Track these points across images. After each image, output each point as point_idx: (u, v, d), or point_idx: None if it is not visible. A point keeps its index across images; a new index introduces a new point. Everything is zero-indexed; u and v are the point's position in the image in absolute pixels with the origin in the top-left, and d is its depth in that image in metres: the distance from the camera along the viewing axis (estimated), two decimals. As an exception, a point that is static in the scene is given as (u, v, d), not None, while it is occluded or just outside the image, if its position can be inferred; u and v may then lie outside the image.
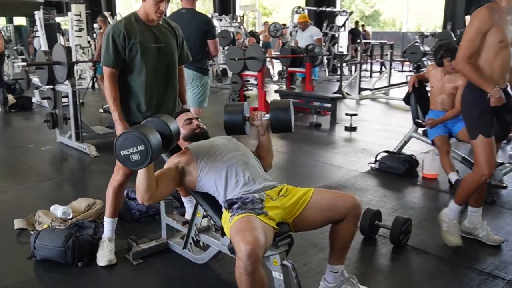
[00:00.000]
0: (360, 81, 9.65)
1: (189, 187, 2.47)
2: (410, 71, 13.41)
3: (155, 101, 2.80)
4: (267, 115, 2.56)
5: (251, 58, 7.52)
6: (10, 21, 20.85)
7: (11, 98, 7.95)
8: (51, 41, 7.79)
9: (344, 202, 2.30)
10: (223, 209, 2.29)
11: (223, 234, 2.39)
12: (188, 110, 2.82)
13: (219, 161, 2.37)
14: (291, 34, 12.78)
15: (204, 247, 2.80)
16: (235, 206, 2.20)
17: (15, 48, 12.73)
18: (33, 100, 8.30)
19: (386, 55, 12.90)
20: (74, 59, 8.21)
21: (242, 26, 13.48)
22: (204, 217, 2.65)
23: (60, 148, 5.60)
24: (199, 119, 2.72)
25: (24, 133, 6.61)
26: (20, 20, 20.51)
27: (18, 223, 3.27)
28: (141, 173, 2.18)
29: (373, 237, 3.15)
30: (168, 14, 4.55)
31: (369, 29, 21.36)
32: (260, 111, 2.65)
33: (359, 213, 2.34)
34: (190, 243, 2.78)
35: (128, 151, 2.06)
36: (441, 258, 2.90)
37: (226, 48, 11.49)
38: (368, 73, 14.00)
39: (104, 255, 2.80)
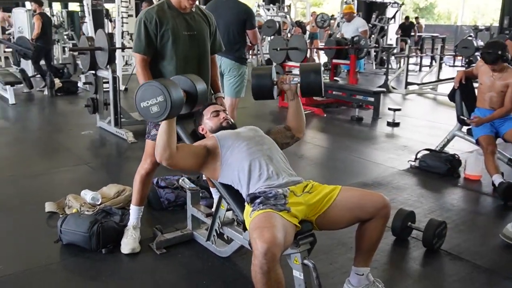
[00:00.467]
0: (407, 75, 9.33)
1: (211, 176, 2.42)
2: (462, 66, 12.92)
3: None
4: (296, 79, 2.51)
5: (293, 48, 7.39)
6: (65, 6, 21.50)
7: (57, 82, 8.16)
8: (98, 27, 7.87)
9: (373, 202, 2.19)
10: (246, 203, 2.23)
11: (244, 228, 2.33)
12: (215, 103, 2.75)
13: (243, 153, 2.30)
14: (338, 25, 12.52)
15: (228, 240, 2.75)
16: (257, 200, 2.12)
17: (65, 33, 13.06)
18: (79, 84, 8.48)
19: (437, 49, 12.45)
20: (120, 45, 8.36)
21: (288, 16, 13.30)
22: (228, 210, 2.59)
23: (99, 133, 5.69)
24: (227, 112, 2.65)
25: (66, 117, 6.76)
26: (75, 6, 21.13)
27: (48, 206, 3.32)
28: (162, 129, 2.17)
29: (405, 239, 3.01)
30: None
31: (422, 21, 20.69)
32: (289, 75, 2.57)
33: (388, 213, 2.21)
34: (214, 236, 2.73)
35: (147, 103, 2.06)
36: (477, 265, 2.73)
37: (271, 38, 11.38)
38: (417, 67, 13.57)
39: (128, 243, 2.80)
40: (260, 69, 2.61)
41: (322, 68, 2.54)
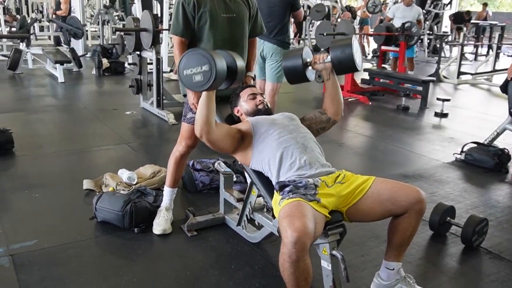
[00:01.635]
0: (460, 64, 8.96)
1: (243, 161, 2.38)
2: (521, 56, 12.32)
3: None
4: (330, 57, 2.35)
5: (340, 34, 7.21)
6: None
7: (105, 62, 8.33)
8: (146, 8, 7.96)
9: (407, 195, 2.08)
10: (275, 191, 2.18)
11: (273, 216, 2.28)
12: (253, 85, 2.69)
13: (275, 141, 2.25)
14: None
15: (258, 226, 2.72)
16: (287, 189, 2.07)
17: (116, 14, 13.31)
18: (126, 65, 8.63)
19: (494, 37, 11.90)
20: (167, 27, 8.42)
21: (338, 0, 13.00)
22: (258, 196, 2.56)
23: (142, 114, 5.77)
24: (264, 95, 2.59)
25: (112, 97, 6.90)
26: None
27: (86, 184, 3.38)
28: (202, 102, 2.15)
29: (443, 235, 2.89)
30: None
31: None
32: (322, 54, 2.43)
33: (422, 208, 2.09)
34: (244, 221, 2.71)
35: (191, 71, 2.05)
36: (516, 265, 2.59)
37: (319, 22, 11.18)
38: (473, 56, 13.04)
39: (160, 224, 2.82)
40: (292, 51, 2.51)
41: (356, 41, 2.35)
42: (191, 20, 2.61)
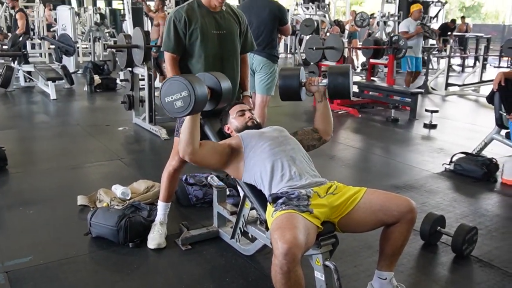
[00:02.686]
0: (447, 75, 9.10)
1: (235, 175, 2.42)
2: (507, 67, 12.50)
3: None
4: (325, 81, 2.48)
5: (330, 47, 7.33)
6: (108, 4, 22.04)
7: (97, 78, 8.36)
8: (137, 25, 8.02)
9: (398, 205, 2.14)
10: (268, 203, 2.22)
11: (267, 228, 2.32)
12: (242, 102, 2.74)
13: (266, 153, 2.30)
14: (378, 24, 12.33)
15: (252, 239, 2.75)
16: (280, 201, 2.12)
17: (107, 31, 13.38)
18: (117, 81, 8.66)
19: (481, 49, 12.09)
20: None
21: (327, 15, 13.18)
22: (252, 208, 2.60)
23: (135, 129, 5.80)
24: (252, 112, 2.65)
25: (104, 113, 6.92)
26: (118, 4, 21.64)
27: (80, 200, 3.40)
28: (185, 124, 2.20)
29: (434, 244, 2.94)
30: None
31: (468, 21, 20.08)
32: (317, 76, 2.55)
33: (413, 218, 2.15)
34: (238, 234, 2.74)
35: (172, 97, 2.10)
36: (508, 274, 2.63)
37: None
38: (460, 68, 13.22)
39: (154, 238, 2.84)
40: (288, 69, 2.59)
41: (352, 71, 2.49)
42: (182, 37, 2.66)
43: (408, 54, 7.95)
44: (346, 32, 13.45)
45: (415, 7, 8.27)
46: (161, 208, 2.95)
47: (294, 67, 2.65)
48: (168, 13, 7.91)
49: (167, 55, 2.69)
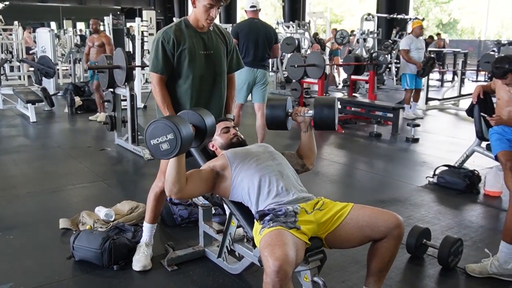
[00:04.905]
0: (427, 90, 9.22)
1: (222, 195, 2.40)
2: (485, 81, 12.73)
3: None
4: (311, 112, 2.49)
5: (311, 65, 7.40)
6: (88, 26, 21.96)
7: (78, 100, 8.29)
8: (119, 45, 8.03)
9: (385, 221, 2.13)
10: (255, 220, 2.20)
11: (254, 245, 2.30)
12: (226, 119, 2.74)
13: (253, 169, 2.28)
14: (358, 41, 12.49)
15: (239, 257, 2.72)
16: (267, 218, 2.11)
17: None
18: (99, 102, 8.59)
19: (458, 64, 12.31)
20: (140, 64, 8.48)
21: (307, 33, 13.32)
22: (238, 226, 2.57)
23: (117, 150, 5.73)
24: (237, 128, 2.64)
25: (85, 134, 6.84)
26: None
27: (62, 223, 3.34)
28: (171, 164, 2.15)
29: (421, 257, 2.94)
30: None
31: (445, 37, 20.45)
32: (303, 107, 2.56)
33: (401, 233, 2.14)
34: (225, 253, 2.71)
35: (158, 140, 2.05)
36: (493, 284, 2.64)
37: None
38: (439, 83, 13.44)
39: (140, 260, 2.79)
40: (275, 100, 2.62)
41: (338, 103, 2.52)
42: (171, 58, 2.64)
43: (405, 71, 7.96)
44: (328, 49, 13.58)
45: (415, 24, 8.19)
46: (147, 229, 2.90)
47: (281, 97, 2.67)
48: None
49: (154, 76, 2.67)
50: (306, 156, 2.60)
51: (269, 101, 2.63)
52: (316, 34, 14.31)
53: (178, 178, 2.16)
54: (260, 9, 5.10)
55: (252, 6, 5.00)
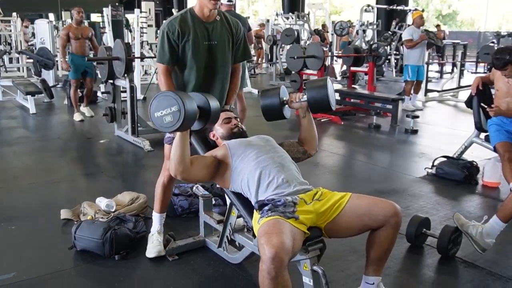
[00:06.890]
0: (427, 82, 9.23)
1: (222, 185, 2.42)
2: (484, 72, 12.72)
3: None
4: (305, 97, 2.48)
5: (311, 56, 7.39)
6: (87, 17, 21.87)
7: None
8: (118, 37, 8.01)
9: (383, 209, 2.15)
10: (254, 210, 2.22)
11: (254, 235, 2.32)
12: (227, 110, 2.75)
13: (253, 161, 2.30)
14: (357, 32, 12.46)
15: (239, 247, 2.75)
16: (266, 208, 2.13)
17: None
18: (98, 94, 8.60)
19: (458, 55, 12.31)
20: (139, 55, 8.47)
21: (306, 24, 13.30)
22: (238, 217, 2.60)
23: (117, 142, 5.75)
24: (238, 119, 2.65)
25: (85, 126, 6.85)
26: (96, 17, 21.53)
27: (64, 214, 3.36)
28: (175, 144, 2.19)
29: (420, 246, 2.97)
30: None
31: (445, 28, 20.40)
32: (298, 93, 2.55)
33: (398, 222, 2.16)
34: (225, 242, 2.73)
35: (161, 112, 2.09)
36: (492, 273, 2.67)
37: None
38: (438, 74, 13.43)
39: (154, 247, 2.83)
40: (268, 90, 2.61)
41: (332, 80, 2.50)
42: (176, 48, 2.65)
43: (408, 62, 7.94)
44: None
45: (416, 14, 8.18)
46: (157, 219, 2.93)
47: (274, 87, 2.66)
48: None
49: (161, 66, 2.68)
50: (307, 142, 2.60)
51: (263, 93, 2.62)
52: (316, 29, 14.27)
53: (182, 157, 2.20)
54: (234, 3, 5.37)
55: (229, 0, 5.17)
